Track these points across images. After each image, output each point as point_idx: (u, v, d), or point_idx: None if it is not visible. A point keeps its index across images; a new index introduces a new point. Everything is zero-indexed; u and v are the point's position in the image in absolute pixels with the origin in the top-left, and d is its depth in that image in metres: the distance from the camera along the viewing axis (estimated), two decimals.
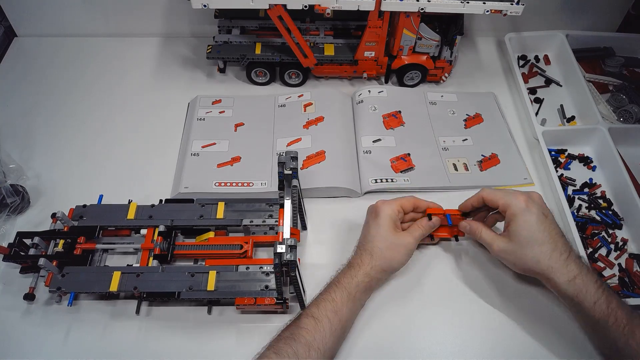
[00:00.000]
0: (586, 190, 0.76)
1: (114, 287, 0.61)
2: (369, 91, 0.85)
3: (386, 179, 0.75)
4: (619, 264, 0.69)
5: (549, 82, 0.91)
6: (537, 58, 0.95)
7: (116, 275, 0.62)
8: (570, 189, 0.76)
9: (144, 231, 0.67)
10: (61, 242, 0.66)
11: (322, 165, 0.75)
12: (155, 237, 0.66)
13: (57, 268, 0.63)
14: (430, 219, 0.64)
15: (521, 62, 0.94)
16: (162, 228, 0.65)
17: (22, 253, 0.64)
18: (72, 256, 0.65)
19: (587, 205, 0.75)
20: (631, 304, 0.62)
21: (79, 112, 0.85)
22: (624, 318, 0.53)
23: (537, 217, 0.58)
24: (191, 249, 0.66)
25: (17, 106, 0.86)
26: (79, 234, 0.66)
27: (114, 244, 0.67)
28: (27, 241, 0.65)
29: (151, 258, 0.65)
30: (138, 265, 0.65)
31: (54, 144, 0.81)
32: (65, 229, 0.67)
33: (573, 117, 0.85)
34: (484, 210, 0.65)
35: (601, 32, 0.94)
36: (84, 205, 0.69)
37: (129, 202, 0.69)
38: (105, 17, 0.94)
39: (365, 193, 0.74)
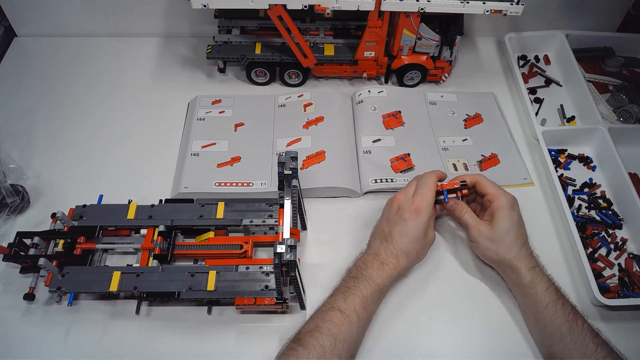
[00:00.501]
0: (586, 190, 0.76)
1: (114, 287, 0.61)
2: (369, 91, 0.85)
3: (386, 179, 0.75)
4: (619, 264, 0.69)
5: (549, 82, 0.91)
6: (537, 58, 0.95)
7: (116, 275, 0.62)
8: (570, 189, 0.76)
9: (144, 231, 0.67)
10: (61, 242, 0.66)
11: (322, 165, 0.75)
12: (155, 237, 0.66)
13: (57, 268, 0.63)
14: (443, 196, 0.66)
15: (521, 62, 0.94)
16: (162, 228, 0.65)
17: (22, 253, 0.64)
18: (72, 256, 0.65)
19: (587, 205, 0.75)
20: (630, 304, 0.63)
21: (79, 112, 0.85)
22: (569, 305, 0.59)
23: (518, 216, 0.64)
24: (191, 249, 0.66)
25: (17, 106, 0.86)
26: (79, 234, 0.66)
27: (114, 244, 0.67)
28: (27, 241, 0.65)
29: (151, 258, 0.65)
30: (138, 265, 0.65)
31: (54, 144, 0.81)
32: (65, 229, 0.67)
33: (573, 117, 0.85)
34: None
35: (601, 32, 0.94)
36: (84, 205, 0.69)
37: (129, 202, 0.69)
38: (105, 17, 0.94)
39: (365, 193, 0.75)
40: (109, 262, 0.68)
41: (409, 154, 0.78)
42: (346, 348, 0.55)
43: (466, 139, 0.81)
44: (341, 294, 0.58)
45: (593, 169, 0.79)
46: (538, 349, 0.61)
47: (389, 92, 0.86)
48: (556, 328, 0.57)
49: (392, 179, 0.75)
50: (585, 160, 0.80)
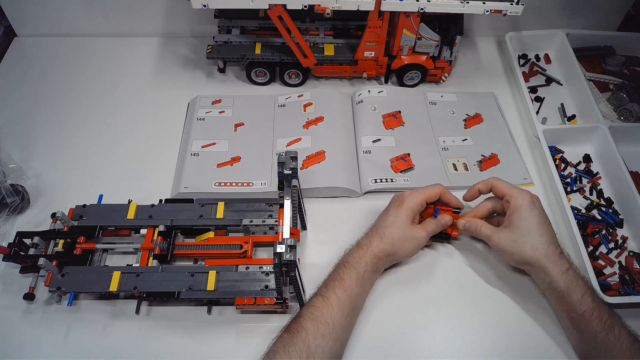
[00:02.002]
0: (587, 176, 0.77)
1: (113, 287, 0.61)
2: (369, 91, 0.85)
3: (386, 179, 0.74)
4: (619, 262, 0.69)
5: (549, 81, 0.91)
6: (537, 57, 0.95)
7: (116, 275, 0.62)
8: (574, 184, 0.77)
9: (143, 231, 0.67)
10: (61, 242, 0.66)
11: (322, 165, 0.75)
12: (155, 237, 0.66)
13: (57, 268, 0.63)
14: (435, 216, 0.67)
15: (522, 61, 0.94)
16: (162, 228, 0.65)
17: (22, 253, 0.64)
18: (72, 256, 0.65)
19: (587, 193, 0.76)
20: (631, 302, 0.63)
21: (79, 112, 0.85)
22: (605, 313, 0.56)
23: (539, 213, 0.62)
24: (191, 248, 0.66)
25: (17, 106, 0.86)
26: (79, 234, 0.66)
27: (113, 243, 0.67)
28: (27, 241, 0.66)
29: (151, 258, 0.65)
30: (138, 265, 0.65)
31: (54, 144, 0.81)
32: (65, 228, 0.67)
33: (574, 116, 0.85)
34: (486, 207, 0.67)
35: (601, 31, 0.94)
36: (84, 205, 0.69)
37: (129, 202, 0.69)
38: (105, 17, 0.94)
39: (365, 193, 0.74)
40: (109, 262, 0.68)
41: (408, 154, 0.78)
42: (329, 330, 0.55)
43: (466, 139, 0.81)
44: (324, 282, 0.61)
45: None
46: (573, 349, 0.60)
47: (389, 92, 0.86)
48: (592, 336, 0.55)
49: (392, 179, 0.74)
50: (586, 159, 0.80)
